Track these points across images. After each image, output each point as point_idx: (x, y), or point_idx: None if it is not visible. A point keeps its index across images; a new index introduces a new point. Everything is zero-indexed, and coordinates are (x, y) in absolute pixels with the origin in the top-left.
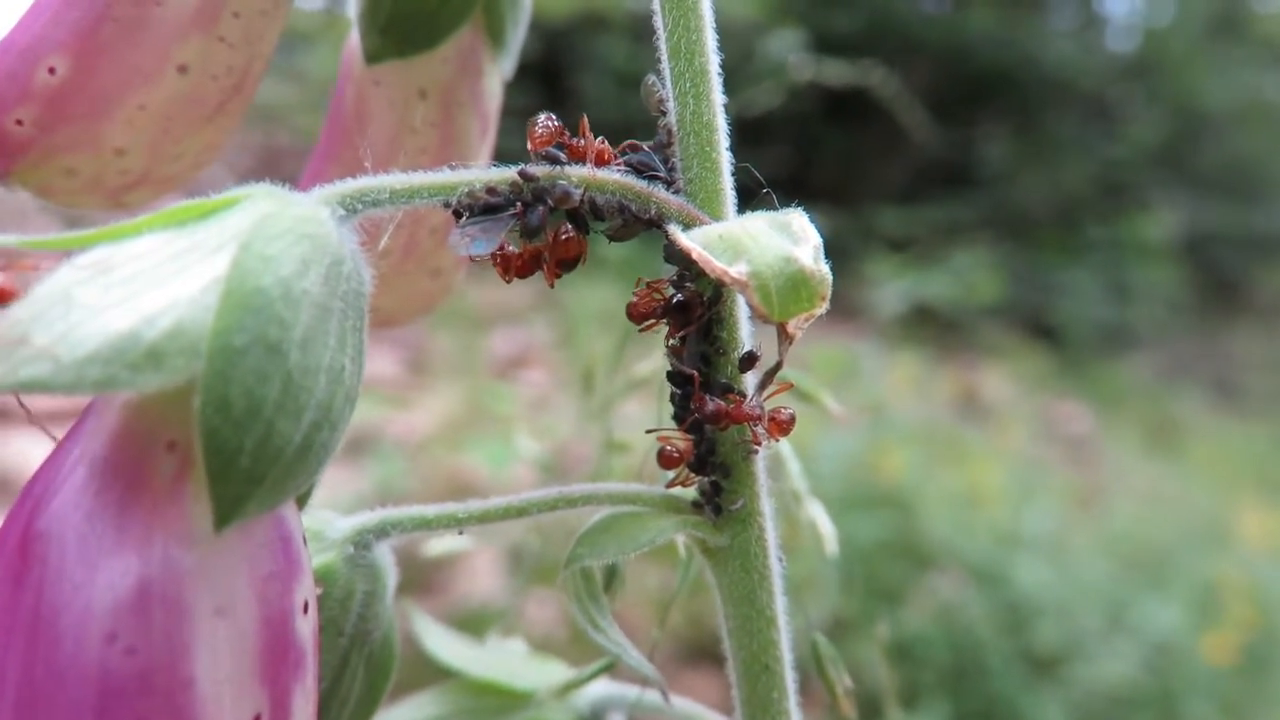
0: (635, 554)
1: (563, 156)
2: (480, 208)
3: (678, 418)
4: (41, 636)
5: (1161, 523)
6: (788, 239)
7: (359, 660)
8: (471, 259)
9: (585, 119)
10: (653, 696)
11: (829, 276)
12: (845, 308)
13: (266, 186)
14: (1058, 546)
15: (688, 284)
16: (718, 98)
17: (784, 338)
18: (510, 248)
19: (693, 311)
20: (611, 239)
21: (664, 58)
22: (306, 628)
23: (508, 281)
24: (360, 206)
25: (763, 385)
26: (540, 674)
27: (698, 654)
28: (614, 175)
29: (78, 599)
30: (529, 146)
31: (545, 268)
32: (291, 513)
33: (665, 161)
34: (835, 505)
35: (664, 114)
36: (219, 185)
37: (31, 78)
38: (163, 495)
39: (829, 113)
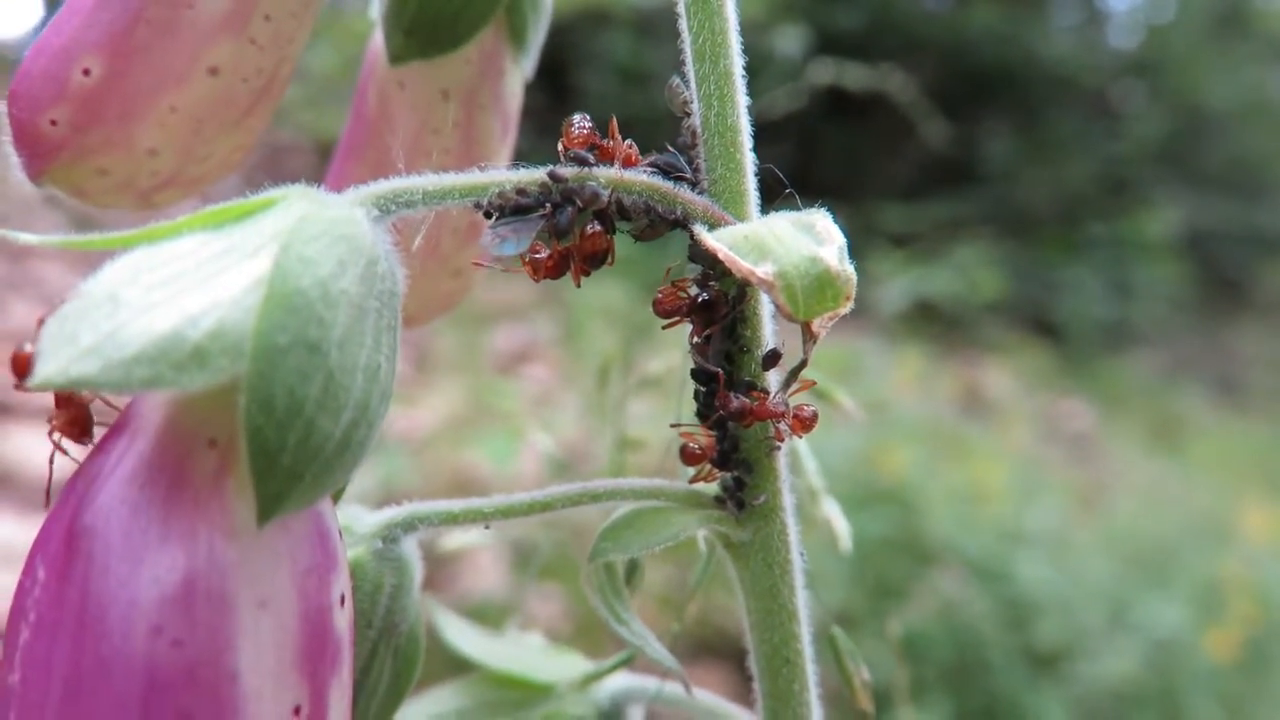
0: (659, 549)
1: (591, 158)
2: (510, 208)
3: (701, 414)
4: (88, 630)
5: (1164, 519)
6: (812, 240)
7: (387, 652)
8: (496, 260)
9: (614, 121)
10: (673, 689)
11: (854, 276)
12: None
13: (301, 188)
14: (1060, 543)
15: (712, 283)
16: (742, 100)
17: (809, 336)
18: (541, 248)
19: (717, 310)
20: (637, 239)
21: (689, 60)
22: (343, 621)
23: (537, 281)
24: (394, 207)
25: (787, 383)
26: (559, 667)
27: (704, 649)
28: (641, 176)
29: (124, 593)
30: (562, 146)
31: (573, 266)
32: (328, 508)
33: (690, 163)
34: (839, 502)
35: (688, 115)
36: (222, 183)
37: (67, 79)
38: (205, 491)
39: (831, 110)
